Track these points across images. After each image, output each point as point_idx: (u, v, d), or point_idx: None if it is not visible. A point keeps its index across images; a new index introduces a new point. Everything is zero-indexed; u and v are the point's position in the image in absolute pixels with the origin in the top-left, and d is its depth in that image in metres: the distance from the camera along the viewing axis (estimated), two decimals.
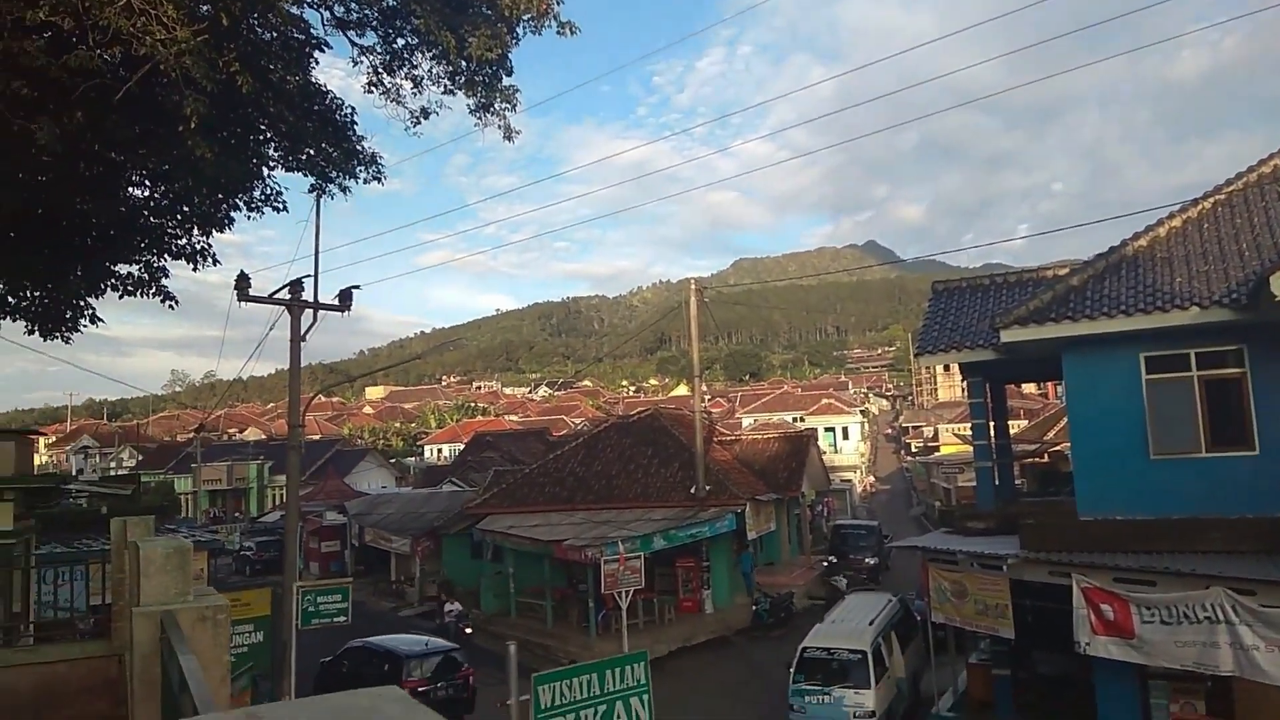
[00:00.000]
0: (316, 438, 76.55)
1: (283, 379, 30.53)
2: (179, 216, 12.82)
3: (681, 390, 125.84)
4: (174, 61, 7.88)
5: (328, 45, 11.68)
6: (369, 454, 74.66)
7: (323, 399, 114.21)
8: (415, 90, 12.18)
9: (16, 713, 6.71)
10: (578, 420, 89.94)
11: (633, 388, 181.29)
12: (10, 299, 12.64)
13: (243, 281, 17.53)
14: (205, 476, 62.45)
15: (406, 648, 19.99)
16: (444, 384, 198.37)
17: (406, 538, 34.69)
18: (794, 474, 37.00)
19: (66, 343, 13.35)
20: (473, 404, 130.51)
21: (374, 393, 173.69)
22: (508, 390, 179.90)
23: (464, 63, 11.15)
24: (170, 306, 13.61)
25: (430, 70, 11.90)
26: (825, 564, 33.69)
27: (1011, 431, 26.23)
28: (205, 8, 8.67)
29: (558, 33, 11.29)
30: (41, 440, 78.57)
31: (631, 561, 19.92)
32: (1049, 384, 62.97)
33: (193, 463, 61.26)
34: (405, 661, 19.11)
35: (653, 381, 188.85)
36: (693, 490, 28.69)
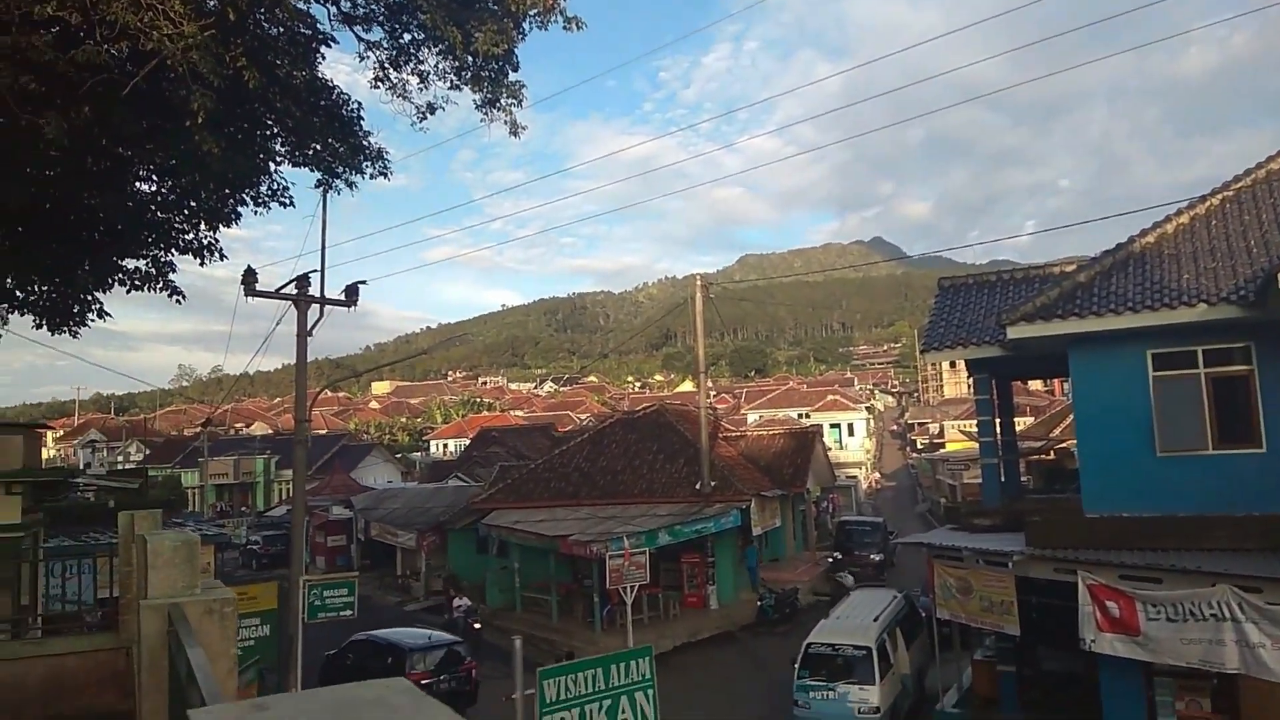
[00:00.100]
0: (323, 433, 76.76)
1: (289, 374, 30.63)
2: (186, 211, 12.86)
3: (687, 386, 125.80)
4: (181, 56, 7.90)
5: (334, 40, 11.70)
6: (375, 449, 74.80)
7: (329, 394, 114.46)
8: (421, 85, 12.19)
9: (25, 704, 6.75)
10: (583, 416, 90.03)
11: (638, 384, 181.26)
12: (18, 293, 12.70)
13: (250, 276, 17.57)
14: (212, 471, 62.79)
15: (410, 641, 20.12)
16: (450, 379, 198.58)
17: (412, 532, 34.78)
18: (799, 470, 37.00)
19: (74, 337, 13.42)
20: (478, 399, 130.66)
21: (380, 388, 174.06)
22: (513, 386, 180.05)
23: (470, 58, 11.15)
24: (177, 301, 13.66)
25: (436, 65, 11.91)
26: (830, 560, 33.69)
27: (1017, 428, 26.20)
28: (212, 3, 8.69)
29: (564, 28, 11.27)
30: (49, 434, 78.94)
31: (636, 557, 19.95)
32: (1055, 381, 62.79)
33: (200, 457, 61.64)
34: (408, 654, 19.20)
35: (658, 377, 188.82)
36: (698, 486, 28.70)
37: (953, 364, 78.80)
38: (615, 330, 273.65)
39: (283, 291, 18.08)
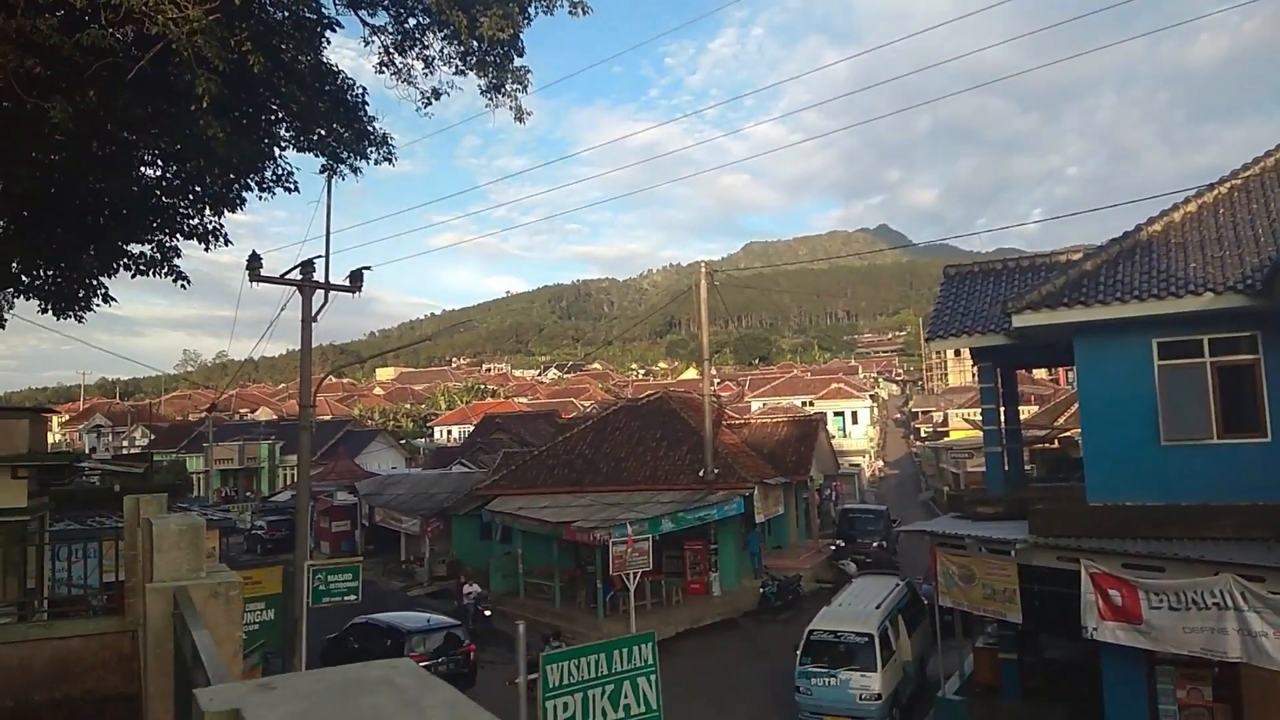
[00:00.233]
0: (327, 418, 76.86)
1: (294, 359, 30.65)
2: (191, 196, 12.84)
3: (691, 374, 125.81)
4: (186, 40, 7.88)
5: (339, 25, 11.64)
6: (379, 435, 75.02)
7: (333, 380, 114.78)
8: (426, 71, 12.16)
9: (32, 686, 6.80)
10: (587, 403, 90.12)
11: (642, 371, 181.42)
12: (24, 278, 12.72)
13: (254, 262, 17.56)
14: (217, 456, 62.95)
15: (409, 624, 20.34)
16: (454, 366, 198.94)
17: (416, 518, 34.88)
18: (803, 458, 37.03)
19: (79, 322, 13.43)
20: (482, 386, 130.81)
21: (384, 374, 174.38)
22: (517, 372, 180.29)
23: (475, 43, 11.11)
24: (182, 286, 13.68)
25: (441, 50, 11.87)
26: (833, 548, 33.75)
27: (1022, 417, 26.15)
28: None
29: (570, 12, 11.25)
30: (55, 419, 79.12)
31: (640, 543, 20.03)
32: (1060, 369, 62.76)
33: (205, 442, 61.78)
34: (408, 637, 19.41)
35: (662, 365, 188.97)
36: (701, 473, 28.73)
37: (957, 352, 78.74)
38: (619, 317, 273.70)
39: (287, 277, 18.07)
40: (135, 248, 12.97)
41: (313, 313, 18.12)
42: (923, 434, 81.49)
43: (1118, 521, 13.65)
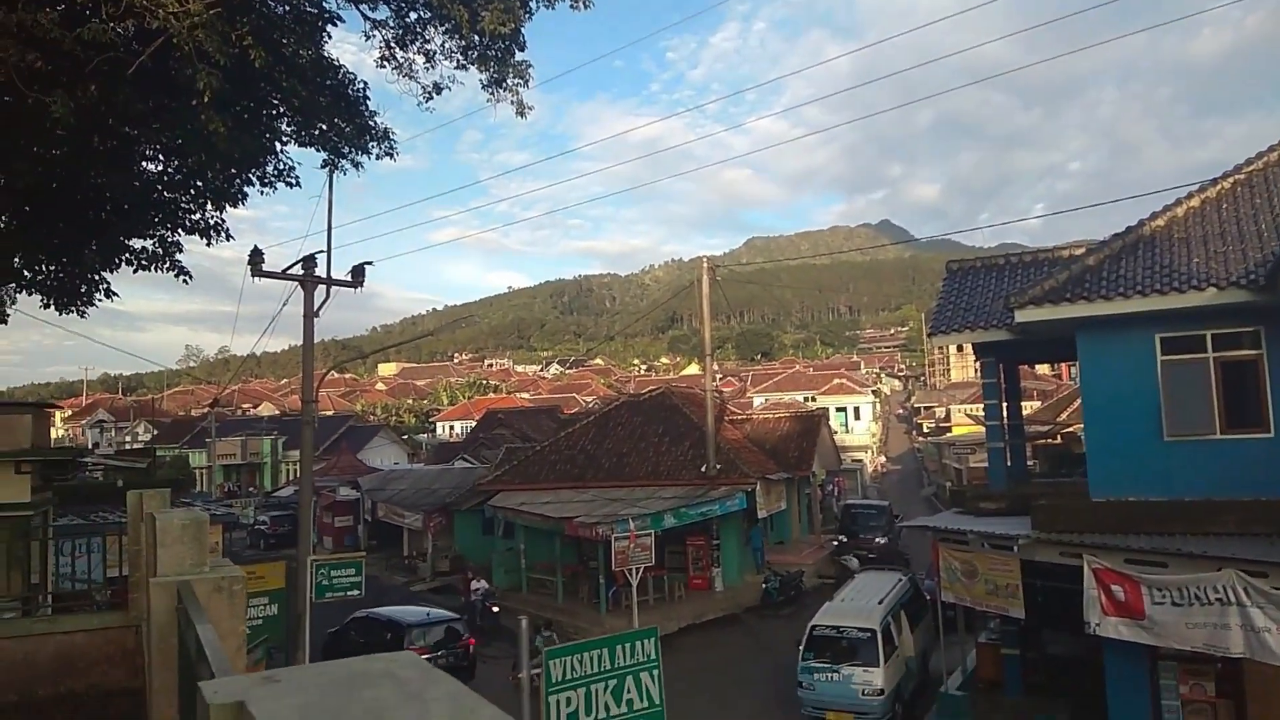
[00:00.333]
0: (329, 414, 76.93)
1: (296, 355, 30.68)
2: (192, 191, 12.84)
3: (693, 369, 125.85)
4: (187, 35, 7.86)
5: (340, 19, 11.63)
6: (382, 430, 75.08)
7: (335, 375, 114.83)
8: (427, 65, 12.12)
9: (36, 681, 6.81)
10: (589, 398, 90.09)
11: (644, 366, 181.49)
12: (26, 273, 12.72)
13: (256, 257, 17.57)
14: (220, 451, 63.04)
15: (408, 617, 20.51)
16: (456, 361, 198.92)
17: (419, 513, 34.93)
18: (805, 453, 37.02)
19: (82, 316, 13.44)
20: (484, 381, 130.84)
21: (386, 369, 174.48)
22: (519, 368, 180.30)
23: (476, 37, 11.08)
24: (184, 281, 13.66)
25: (443, 45, 11.83)
26: (835, 543, 33.76)
27: (1024, 412, 26.14)
28: None
29: (571, 6, 11.22)
30: (58, 414, 79.36)
31: (642, 539, 20.04)
32: (1063, 365, 62.65)
33: (207, 437, 61.83)
34: (408, 630, 19.52)
35: (664, 360, 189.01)
36: (703, 469, 28.74)
37: (960, 348, 78.71)
38: (621, 313, 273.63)
39: (289, 272, 18.10)
40: (137, 243, 12.96)
41: (315, 308, 18.14)
42: (925, 429, 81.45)
43: (1120, 517, 13.64)
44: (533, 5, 11.24)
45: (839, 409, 73.18)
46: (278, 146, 12.50)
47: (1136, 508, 13.60)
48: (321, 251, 18.30)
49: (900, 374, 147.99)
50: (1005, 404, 19.13)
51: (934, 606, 18.24)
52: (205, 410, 69.16)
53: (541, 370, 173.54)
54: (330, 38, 11.91)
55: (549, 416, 58.52)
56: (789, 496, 35.27)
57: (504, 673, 19.63)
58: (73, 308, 13.04)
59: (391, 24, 11.82)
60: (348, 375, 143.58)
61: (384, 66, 12.14)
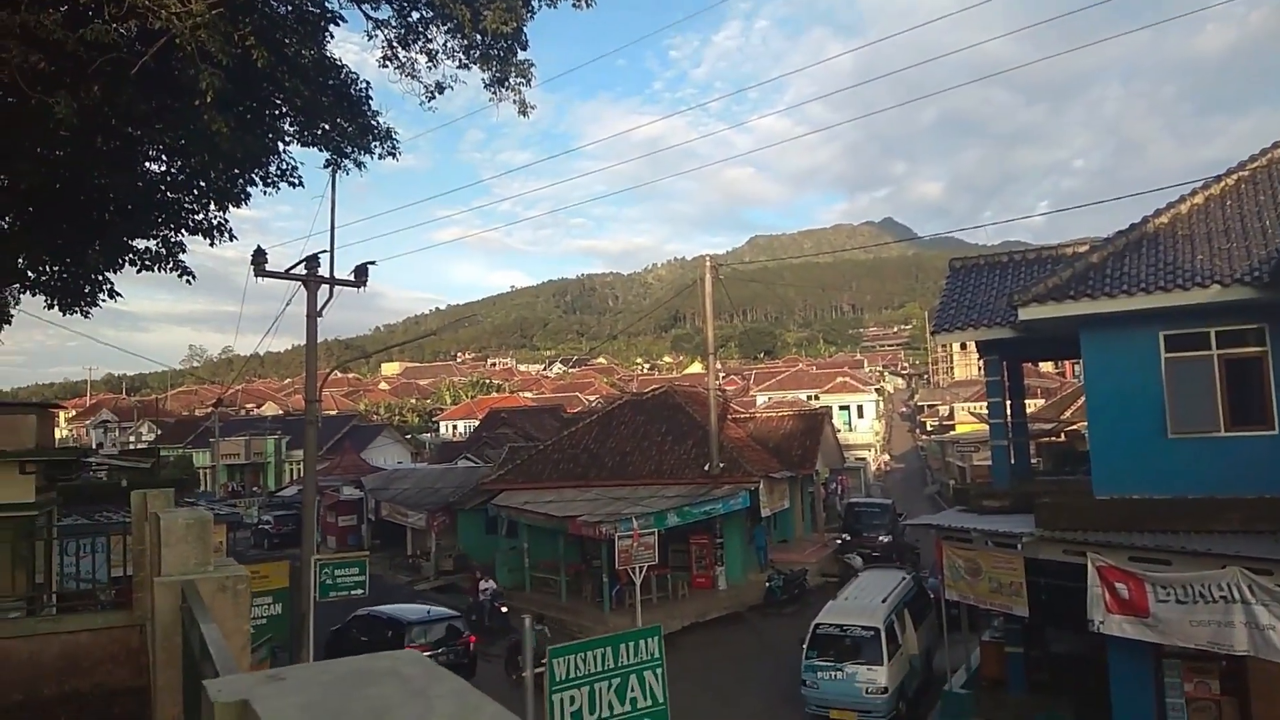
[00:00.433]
0: (333, 413, 77.07)
1: (299, 354, 30.71)
2: (195, 191, 12.86)
3: (696, 368, 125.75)
4: (189, 35, 7.87)
5: (342, 19, 11.64)
6: (385, 430, 75.15)
7: (339, 375, 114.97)
8: (430, 65, 12.12)
9: (41, 680, 6.83)
10: (592, 397, 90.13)
11: (647, 365, 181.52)
12: (30, 273, 12.75)
13: (259, 257, 17.58)
14: (223, 451, 63.07)
15: (409, 615, 20.59)
16: (459, 360, 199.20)
17: (422, 513, 34.95)
18: (808, 452, 36.97)
19: (85, 317, 13.47)
20: (487, 381, 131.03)
21: (389, 369, 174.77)
22: (522, 367, 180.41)
23: (479, 36, 11.08)
24: (187, 281, 13.69)
25: (445, 44, 11.83)
26: (839, 542, 33.71)
27: (1028, 410, 26.11)
28: None
29: (574, 5, 11.22)
30: (62, 414, 79.52)
31: (645, 538, 20.02)
32: (1066, 363, 62.57)
33: (211, 437, 61.88)
34: (408, 628, 19.61)
35: (667, 359, 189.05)
36: (706, 468, 28.73)
37: (963, 346, 78.61)
38: (624, 312, 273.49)
39: (292, 272, 18.10)
40: (140, 243, 12.99)
41: (318, 308, 18.14)
42: (928, 428, 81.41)
43: (1124, 515, 13.63)
44: (535, 4, 11.24)
45: (842, 407, 73.20)
46: (280, 146, 12.52)
47: (1140, 505, 13.58)
48: (324, 251, 18.31)
49: (903, 372, 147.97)
50: (1009, 402, 19.11)
51: (938, 605, 18.23)
52: (209, 410, 69.34)
53: (544, 369, 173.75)
54: (332, 37, 11.93)
55: (552, 416, 58.54)
56: (792, 495, 35.23)
57: (502, 671, 19.71)
58: (76, 308, 13.07)
59: (394, 23, 11.83)
60: (351, 375, 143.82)
61: (386, 66, 12.14)
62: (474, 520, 34.31)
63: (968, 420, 61.92)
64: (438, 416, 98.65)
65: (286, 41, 10.32)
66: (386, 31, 11.85)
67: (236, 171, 12.28)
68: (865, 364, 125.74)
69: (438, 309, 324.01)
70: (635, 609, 19.77)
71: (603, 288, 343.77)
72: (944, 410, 77.92)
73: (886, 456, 78.00)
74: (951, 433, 63.21)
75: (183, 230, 13.16)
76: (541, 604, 26.16)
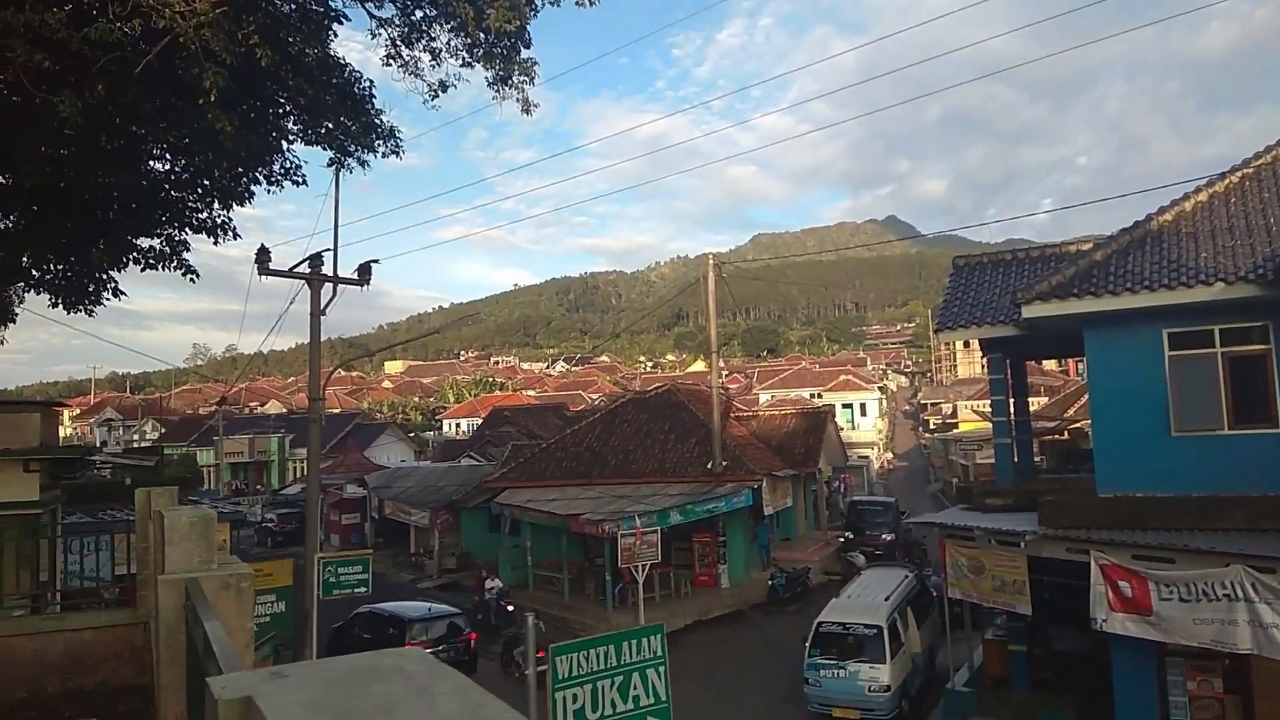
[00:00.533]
0: (336, 412, 77.18)
1: (303, 353, 30.78)
2: (199, 190, 12.89)
3: (699, 366, 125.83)
4: (193, 34, 7.89)
5: (346, 18, 11.67)
6: (388, 428, 75.20)
7: (342, 373, 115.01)
8: (433, 63, 12.15)
9: (45, 678, 6.85)
10: (595, 396, 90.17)
11: (650, 363, 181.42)
12: (34, 272, 12.78)
13: (263, 255, 17.60)
14: (227, 449, 63.23)
15: (411, 612, 20.66)
16: (462, 359, 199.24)
17: (425, 511, 34.97)
18: (811, 450, 36.95)
19: (90, 315, 13.51)
20: (490, 379, 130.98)
21: (393, 367, 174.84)
22: (525, 365, 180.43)
23: (482, 35, 11.10)
24: (191, 280, 13.71)
25: (448, 43, 11.85)
26: (842, 540, 33.70)
27: (1031, 408, 26.08)
28: None
29: (576, 3, 11.23)
30: (66, 413, 79.67)
31: (648, 536, 20.02)
32: (1070, 360, 62.51)
33: (215, 436, 62.06)
34: (409, 625, 19.69)
35: (670, 357, 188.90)
36: (709, 466, 28.73)
37: (967, 344, 78.51)
38: (627, 310, 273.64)
39: (296, 270, 18.12)
40: (144, 242, 13.02)
41: (322, 306, 18.17)
42: (932, 426, 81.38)
43: (1127, 513, 13.61)
44: (538, 2, 11.26)
45: (845, 405, 73.12)
46: (284, 145, 12.55)
47: (1144, 503, 13.57)
48: (328, 249, 18.35)
49: (907, 370, 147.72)
50: (1012, 400, 19.08)
51: (941, 603, 18.22)
52: (213, 408, 69.43)
53: (547, 368, 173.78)
54: (336, 36, 11.96)
55: (555, 414, 58.57)
56: (795, 493, 35.22)
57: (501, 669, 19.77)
58: (80, 306, 13.10)
59: (397, 22, 11.85)
60: (354, 373, 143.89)
61: (390, 65, 12.17)
62: (477, 518, 34.34)
63: (971, 418, 61.90)
64: (441, 415, 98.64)
65: (290, 40, 10.34)
66: (390, 30, 11.88)
67: (240, 170, 12.31)
68: (868, 362, 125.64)
69: (441, 307, 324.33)
70: (638, 607, 19.77)
71: (606, 286, 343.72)
72: (947, 408, 77.85)
73: (889, 455, 77.97)
74: (954, 431, 63.19)
75: (187, 229, 13.19)
76: (545, 602, 26.17)
